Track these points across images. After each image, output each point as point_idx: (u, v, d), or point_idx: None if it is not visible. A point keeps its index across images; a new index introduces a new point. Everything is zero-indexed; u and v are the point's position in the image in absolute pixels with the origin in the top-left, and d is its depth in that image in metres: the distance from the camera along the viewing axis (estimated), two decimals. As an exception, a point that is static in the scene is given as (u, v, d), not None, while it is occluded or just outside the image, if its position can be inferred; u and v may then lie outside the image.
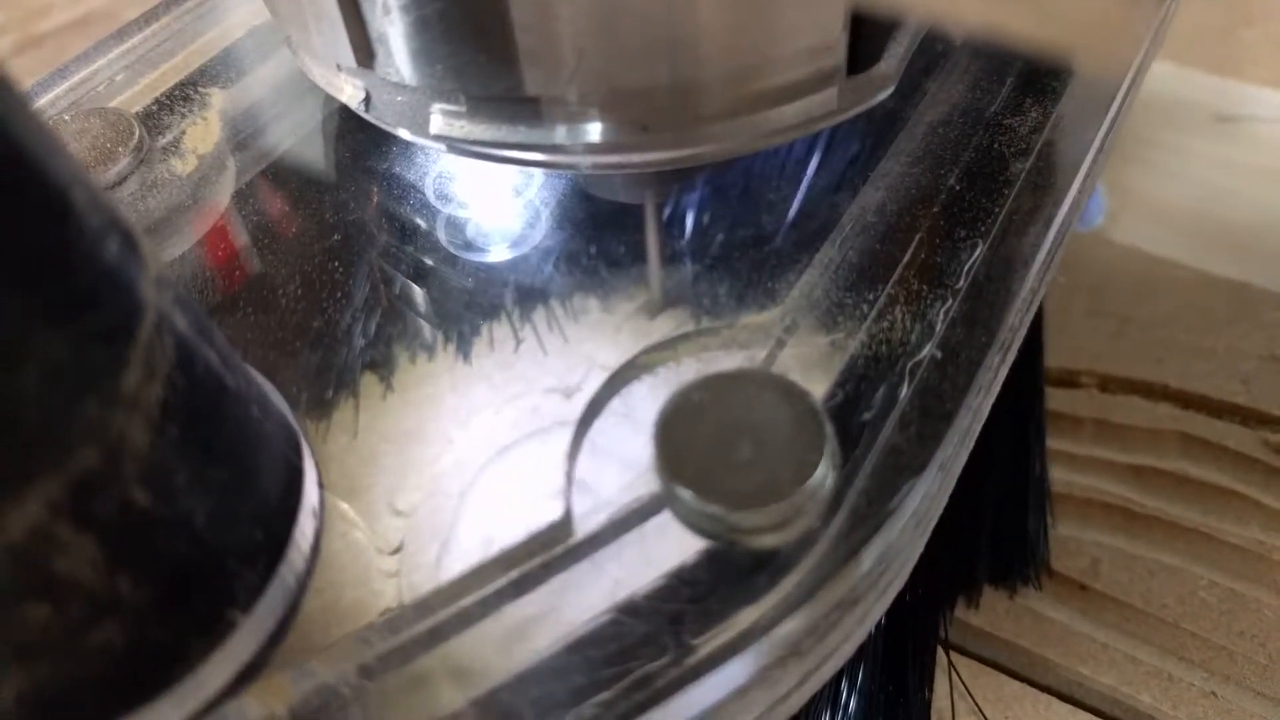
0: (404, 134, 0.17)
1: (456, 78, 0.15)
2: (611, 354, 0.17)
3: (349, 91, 0.18)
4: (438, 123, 0.17)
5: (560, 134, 0.16)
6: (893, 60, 0.17)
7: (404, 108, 0.17)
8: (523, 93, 0.15)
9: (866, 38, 0.16)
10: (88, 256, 0.11)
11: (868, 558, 0.14)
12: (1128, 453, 0.26)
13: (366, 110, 0.17)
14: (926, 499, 0.15)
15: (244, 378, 0.14)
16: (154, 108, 0.21)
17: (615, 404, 0.16)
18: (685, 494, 0.14)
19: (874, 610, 0.15)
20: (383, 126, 0.18)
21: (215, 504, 0.13)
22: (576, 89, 0.15)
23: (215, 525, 0.13)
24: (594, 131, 0.16)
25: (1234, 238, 0.31)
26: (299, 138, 0.22)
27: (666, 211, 0.19)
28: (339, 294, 0.19)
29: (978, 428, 0.17)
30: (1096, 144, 0.19)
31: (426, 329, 0.18)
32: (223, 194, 0.20)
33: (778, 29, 0.15)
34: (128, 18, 0.22)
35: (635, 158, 0.17)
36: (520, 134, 0.16)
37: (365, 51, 0.16)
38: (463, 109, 0.16)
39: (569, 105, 0.16)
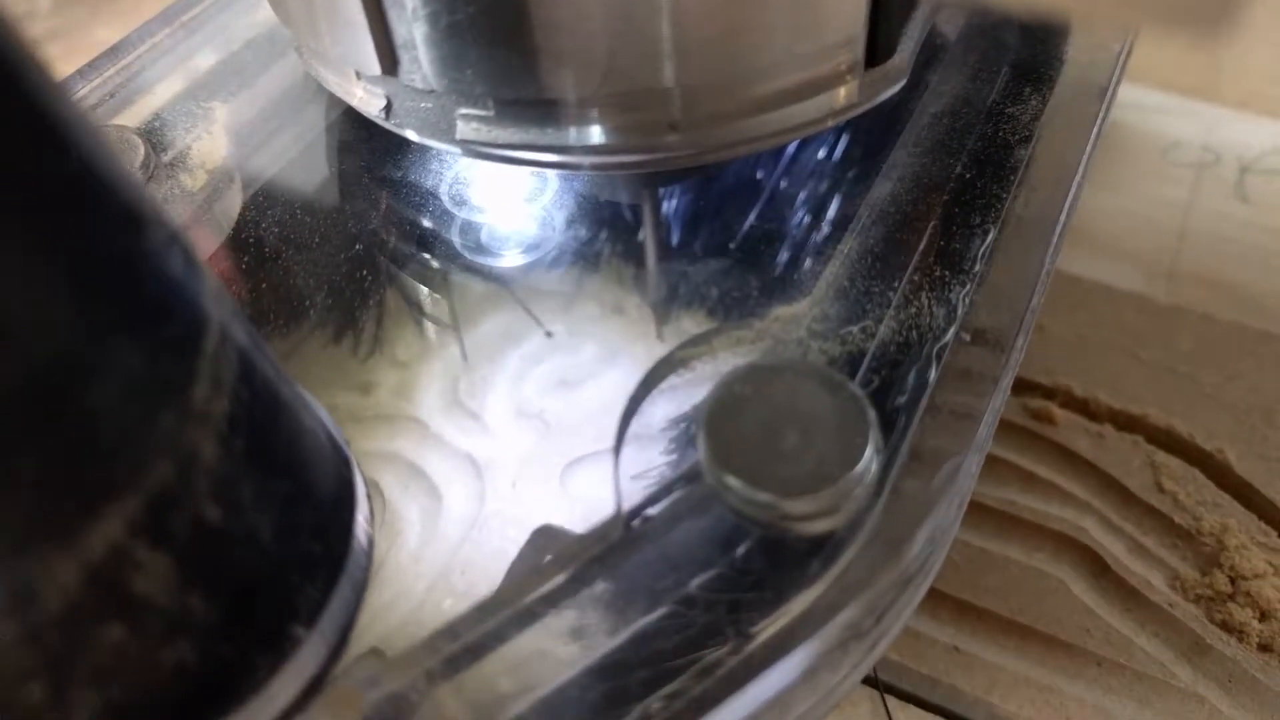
0: (427, 140, 0.17)
1: (486, 82, 0.16)
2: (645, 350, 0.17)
3: (368, 99, 0.17)
4: (463, 128, 0.17)
5: (586, 136, 0.16)
6: (905, 53, 0.18)
7: (428, 114, 0.17)
8: (553, 94, 0.16)
9: (883, 32, 0.17)
10: (157, 269, 0.11)
11: (920, 538, 0.14)
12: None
13: (387, 118, 0.17)
14: (967, 477, 0.15)
15: (294, 391, 0.14)
16: (156, 124, 0.21)
17: (655, 399, 0.16)
18: (735, 483, 0.14)
19: (923, 587, 0.15)
20: (403, 134, 0.18)
21: (279, 517, 0.12)
22: (606, 89, 0.16)
23: (279, 539, 0.12)
24: (620, 132, 0.16)
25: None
26: (303, 147, 0.21)
27: (684, 212, 0.20)
28: (336, 299, 0.19)
29: (1003, 405, 0.17)
30: (1096, 125, 0.20)
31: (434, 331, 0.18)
32: (233, 206, 0.20)
33: (804, 25, 0.15)
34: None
35: (661, 157, 0.17)
36: (547, 137, 0.16)
37: (390, 59, 0.16)
38: (490, 113, 0.16)
39: (596, 107, 0.16)
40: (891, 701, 0.20)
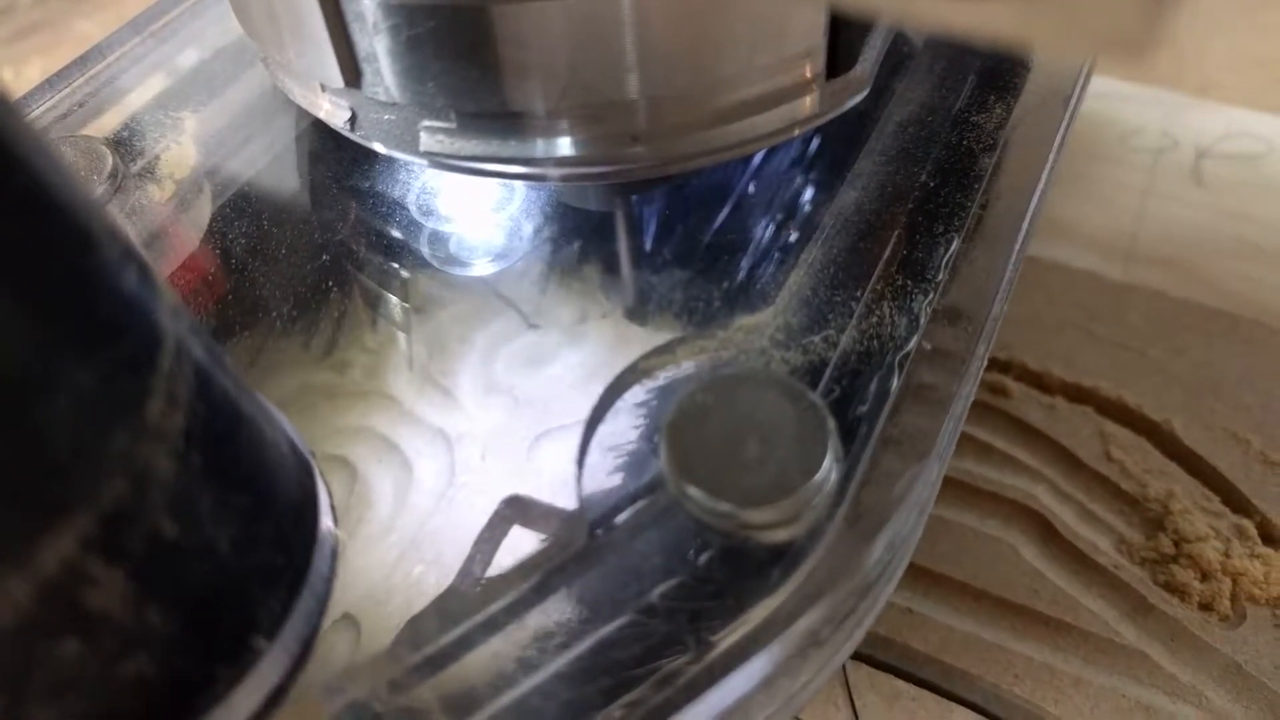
0: (391, 152, 0.17)
1: (448, 94, 0.16)
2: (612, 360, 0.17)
3: (333, 111, 0.18)
4: (426, 140, 0.17)
5: (550, 147, 0.17)
6: (867, 64, 0.18)
7: (391, 126, 0.17)
8: (515, 107, 0.16)
9: (843, 43, 0.17)
10: (110, 286, 0.11)
11: (879, 546, 0.15)
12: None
13: (352, 129, 0.17)
14: (927, 485, 0.16)
15: (256, 404, 0.14)
16: (125, 134, 0.21)
17: (619, 408, 0.16)
18: (696, 493, 0.15)
19: (883, 595, 0.16)
20: (367, 145, 0.18)
21: (238, 531, 0.12)
22: (568, 102, 0.16)
23: (239, 553, 0.13)
24: (583, 144, 0.17)
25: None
26: (272, 157, 0.22)
27: (650, 220, 0.20)
28: (310, 310, 0.19)
29: (965, 413, 0.17)
30: (1059, 135, 0.20)
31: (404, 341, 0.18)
32: (201, 217, 0.20)
33: (765, 37, 0.16)
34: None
35: (624, 168, 0.17)
36: (510, 148, 0.17)
37: (352, 71, 0.16)
38: (452, 125, 0.16)
39: (559, 118, 0.16)
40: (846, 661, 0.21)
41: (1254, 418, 0.24)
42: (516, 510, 0.16)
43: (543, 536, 0.15)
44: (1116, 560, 0.22)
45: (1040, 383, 0.26)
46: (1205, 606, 0.21)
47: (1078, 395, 0.25)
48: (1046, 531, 0.23)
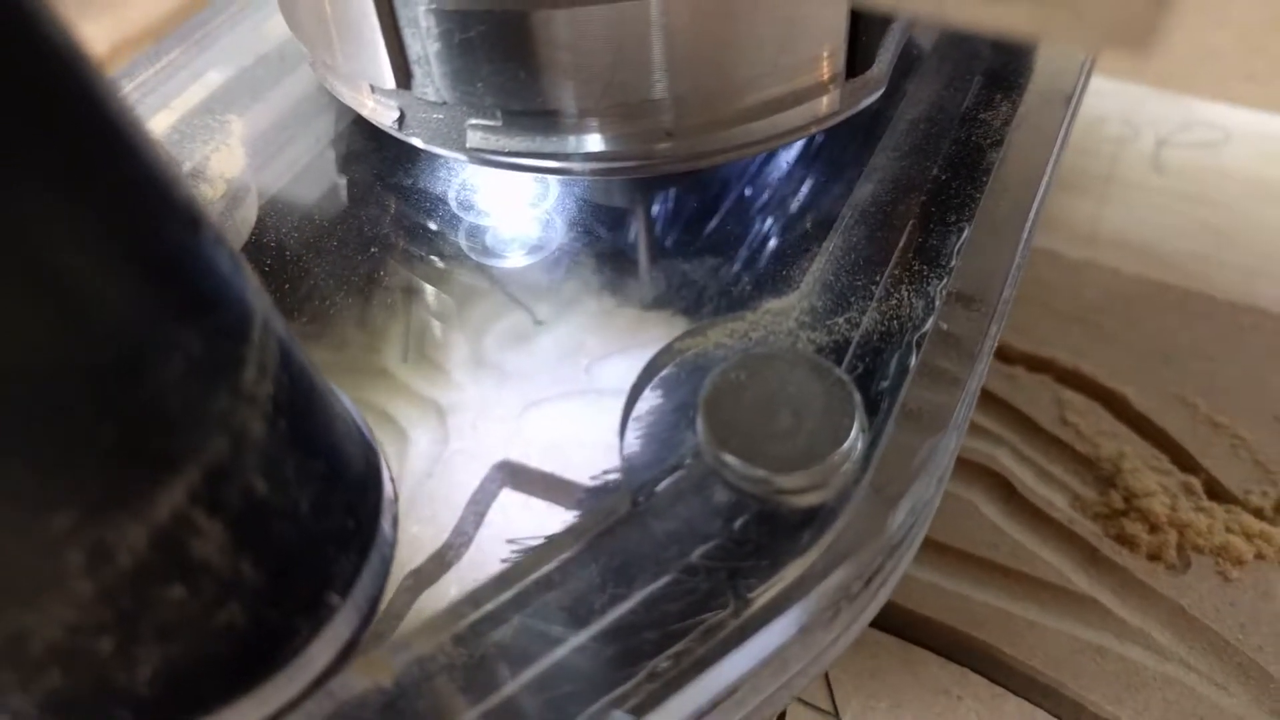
0: (437, 149, 0.18)
1: (495, 94, 0.17)
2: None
3: (381, 110, 0.19)
4: (473, 137, 0.18)
5: (586, 143, 0.18)
6: (883, 64, 0.19)
7: (439, 125, 0.18)
8: (557, 106, 0.17)
9: (861, 44, 0.18)
10: (211, 262, 0.12)
11: (902, 510, 0.16)
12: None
13: (400, 129, 0.19)
14: (944, 455, 0.17)
15: (325, 382, 0.15)
16: (174, 136, 0.22)
17: (656, 385, 0.18)
18: (733, 461, 0.16)
19: (907, 556, 0.17)
20: (415, 144, 0.19)
21: (316, 493, 0.14)
22: (605, 101, 0.17)
23: (316, 514, 0.14)
24: (617, 140, 0.18)
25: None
26: (315, 155, 0.23)
27: (679, 213, 0.21)
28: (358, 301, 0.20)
29: (979, 388, 0.19)
30: (1062, 131, 0.21)
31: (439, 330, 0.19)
32: (250, 215, 0.21)
33: (787, 39, 0.17)
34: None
35: (655, 163, 0.18)
36: (551, 144, 0.18)
37: (404, 73, 0.17)
38: (497, 123, 0.17)
39: (596, 116, 0.17)
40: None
41: (1201, 384, 0.26)
42: (503, 471, 0.17)
43: (594, 504, 0.16)
44: (1071, 515, 0.23)
45: (1000, 353, 0.27)
46: (1153, 556, 0.22)
47: (1036, 365, 0.27)
48: (1006, 490, 0.24)
